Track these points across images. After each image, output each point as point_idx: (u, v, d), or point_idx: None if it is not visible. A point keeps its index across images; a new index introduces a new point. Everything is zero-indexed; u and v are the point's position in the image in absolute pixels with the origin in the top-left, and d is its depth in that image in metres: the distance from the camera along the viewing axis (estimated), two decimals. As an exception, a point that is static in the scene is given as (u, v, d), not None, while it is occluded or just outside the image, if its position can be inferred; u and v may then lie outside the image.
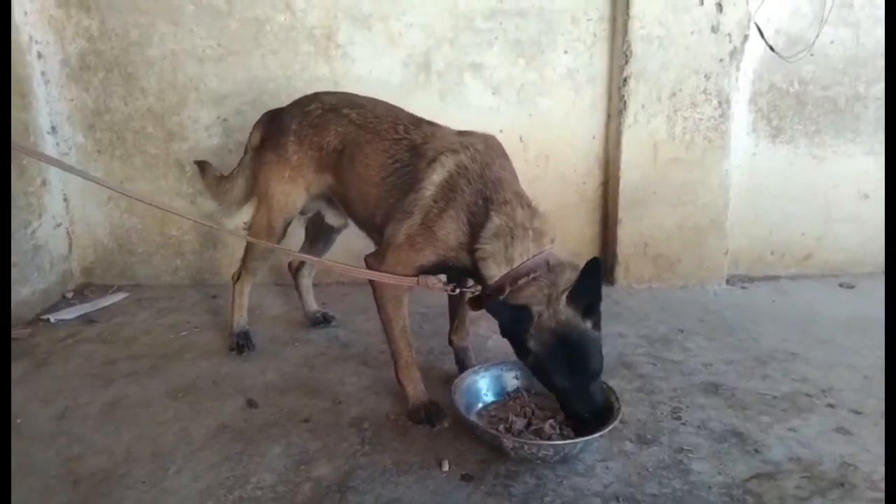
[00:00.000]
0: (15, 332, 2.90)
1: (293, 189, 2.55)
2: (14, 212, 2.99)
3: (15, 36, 3.10)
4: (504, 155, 2.23)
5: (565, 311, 1.88)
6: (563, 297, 1.89)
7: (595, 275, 1.88)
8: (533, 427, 2.08)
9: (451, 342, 2.56)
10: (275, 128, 2.62)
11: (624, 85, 3.36)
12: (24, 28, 3.20)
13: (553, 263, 2.00)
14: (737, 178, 3.54)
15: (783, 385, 2.47)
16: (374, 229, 2.39)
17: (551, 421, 2.08)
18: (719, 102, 3.39)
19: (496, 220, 2.02)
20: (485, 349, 2.69)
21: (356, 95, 2.61)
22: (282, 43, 3.36)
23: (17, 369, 2.58)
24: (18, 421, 2.21)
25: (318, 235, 2.97)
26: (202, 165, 3.02)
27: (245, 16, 3.32)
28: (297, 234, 3.00)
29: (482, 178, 2.10)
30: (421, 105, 2.70)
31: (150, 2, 3.29)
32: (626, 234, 3.52)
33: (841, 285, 3.62)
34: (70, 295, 3.45)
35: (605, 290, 1.96)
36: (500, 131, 3.04)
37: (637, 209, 3.49)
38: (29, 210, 3.19)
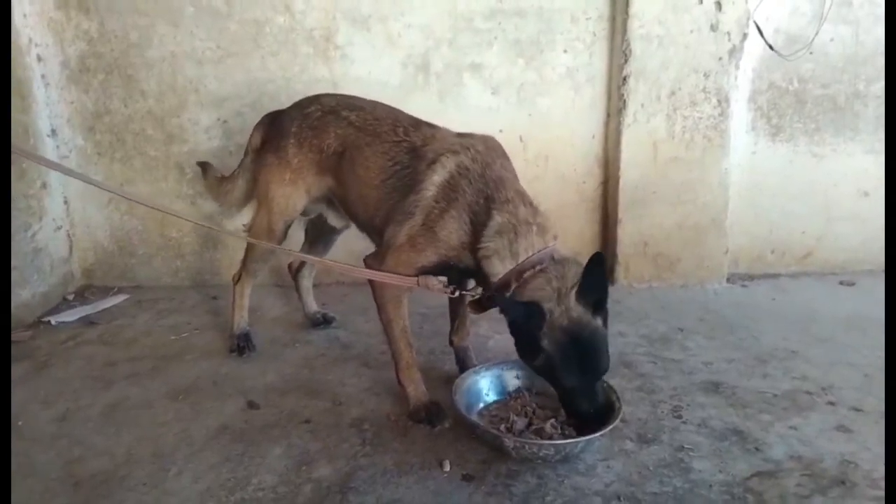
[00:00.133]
0: (15, 335, 2.90)
1: (293, 191, 2.56)
2: (14, 214, 3.00)
3: (14, 38, 3.10)
4: (504, 155, 2.23)
5: (576, 308, 1.89)
6: (573, 294, 1.89)
7: (601, 269, 1.89)
8: (534, 427, 2.08)
9: (451, 342, 2.56)
10: (275, 130, 2.62)
11: (623, 84, 3.36)
12: (23, 30, 3.20)
13: (558, 258, 2.01)
14: (736, 176, 3.54)
15: (783, 383, 2.47)
16: (375, 231, 2.40)
17: (552, 420, 2.08)
18: (719, 101, 3.39)
19: (499, 218, 2.02)
20: (485, 349, 2.70)
21: (356, 98, 2.62)
22: (281, 44, 3.36)
23: (17, 371, 2.58)
24: (19, 423, 2.22)
25: (319, 237, 2.97)
26: (204, 166, 3.02)
27: (244, 17, 3.32)
28: (297, 236, 3.00)
29: (483, 177, 2.10)
30: (420, 106, 2.71)
31: (149, 3, 3.29)
32: (626, 233, 3.52)
33: (841, 283, 3.62)
34: (71, 297, 3.45)
35: (606, 288, 1.96)
36: (500, 131, 3.06)
37: (637, 208, 3.49)
38: (29, 213, 3.19)
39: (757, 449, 2.04)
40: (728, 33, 3.31)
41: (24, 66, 3.21)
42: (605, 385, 2.08)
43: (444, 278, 2.25)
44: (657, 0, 3.25)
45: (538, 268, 1.96)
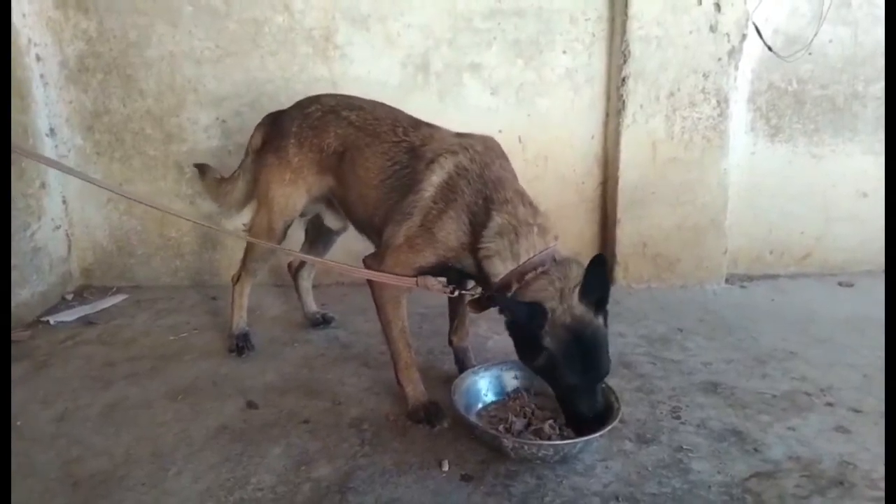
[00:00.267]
0: (15, 335, 2.90)
1: (293, 191, 2.56)
2: (13, 214, 2.99)
3: (13, 38, 3.09)
4: (503, 155, 2.23)
5: (579, 307, 1.89)
6: (576, 293, 1.89)
7: (603, 270, 1.90)
8: (533, 427, 2.09)
9: (450, 342, 2.56)
10: (276, 130, 2.62)
11: (622, 85, 3.36)
12: (22, 30, 3.20)
13: (559, 259, 2.01)
14: (735, 177, 3.54)
15: (782, 384, 2.47)
16: (374, 231, 2.40)
17: (551, 421, 2.08)
18: (718, 102, 3.39)
19: (498, 219, 2.02)
20: (484, 349, 2.70)
21: (356, 98, 2.62)
22: (280, 44, 3.36)
23: (16, 371, 2.58)
24: (18, 423, 2.21)
25: (319, 237, 2.97)
26: (202, 168, 3.02)
27: (243, 17, 3.32)
28: (297, 236, 3.00)
29: (482, 178, 2.10)
30: (419, 106, 2.71)
31: (148, 3, 3.28)
32: (625, 233, 3.52)
33: (840, 284, 3.62)
34: (69, 297, 3.45)
35: (605, 289, 1.96)
36: (499, 132, 3.05)
37: (636, 209, 3.49)
38: (28, 212, 3.18)
39: (756, 450, 2.04)
40: (727, 34, 3.31)
41: (23, 66, 3.20)
42: (604, 386, 2.08)
43: (443, 278, 2.25)
44: (656, 1, 3.26)
45: (540, 269, 1.96)
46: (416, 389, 2.24)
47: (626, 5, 3.27)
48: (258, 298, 3.19)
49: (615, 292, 1.94)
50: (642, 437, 2.12)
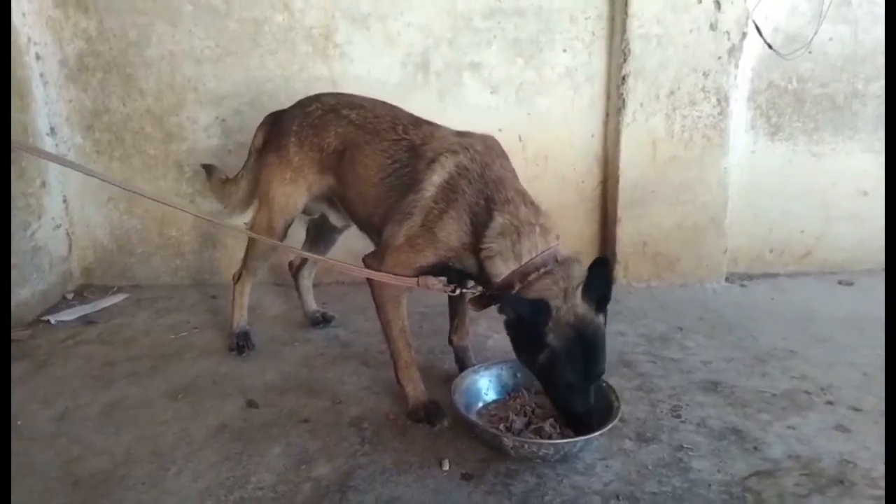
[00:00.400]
0: (15, 334, 2.90)
1: (294, 190, 2.55)
2: (13, 213, 2.99)
3: (13, 37, 3.09)
4: (503, 155, 2.23)
5: (582, 306, 1.90)
6: (579, 291, 1.90)
7: (606, 271, 1.91)
8: (533, 426, 2.08)
9: (450, 341, 2.56)
10: (276, 129, 2.63)
11: (622, 83, 3.36)
12: (22, 29, 3.20)
13: (561, 259, 2.01)
14: (735, 176, 3.54)
15: (782, 383, 2.47)
16: (374, 230, 2.40)
17: (551, 420, 2.08)
18: (718, 100, 3.39)
19: (500, 219, 2.02)
20: (485, 348, 2.70)
21: (357, 96, 2.61)
22: (280, 43, 3.36)
23: (17, 370, 2.58)
24: (19, 422, 2.22)
25: (320, 236, 2.97)
26: (208, 169, 3.02)
27: (243, 16, 3.32)
28: (298, 234, 3.00)
29: (482, 178, 2.10)
30: (419, 105, 2.70)
31: (148, 2, 3.28)
32: (626, 232, 3.52)
33: (840, 283, 3.62)
34: (70, 296, 3.45)
35: (605, 288, 1.96)
36: (499, 131, 3.05)
37: (636, 208, 3.49)
38: (28, 211, 3.19)
39: (755, 448, 2.04)
40: (727, 32, 3.31)
41: (23, 65, 3.20)
42: (604, 384, 2.08)
43: (443, 278, 2.25)
44: (656, -1, 3.26)
45: (542, 270, 1.97)
46: (416, 388, 2.24)
47: (625, 4, 3.27)
48: (258, 297, 3.19)
49: (615, 291, 1.94)
50: (642, 435, 2.12)
